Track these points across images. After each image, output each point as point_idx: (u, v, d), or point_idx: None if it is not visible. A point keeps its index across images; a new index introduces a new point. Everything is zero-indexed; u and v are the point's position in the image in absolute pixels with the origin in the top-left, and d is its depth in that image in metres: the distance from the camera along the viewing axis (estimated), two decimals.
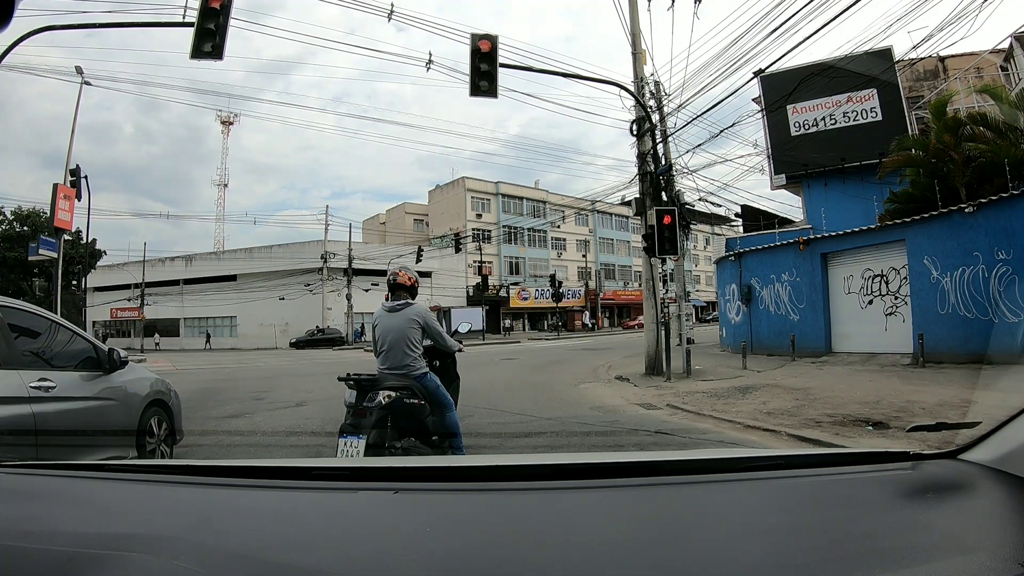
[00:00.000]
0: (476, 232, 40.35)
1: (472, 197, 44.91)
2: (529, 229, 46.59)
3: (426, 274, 35.49)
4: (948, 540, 0.85)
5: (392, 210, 53.13)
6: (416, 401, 3.72)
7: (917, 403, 6.51)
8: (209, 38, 7.77)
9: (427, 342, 4.02)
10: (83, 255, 29.51)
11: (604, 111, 33.25)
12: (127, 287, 39.75)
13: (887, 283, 12.15)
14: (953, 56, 18.67)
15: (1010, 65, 19.17)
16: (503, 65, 9.06)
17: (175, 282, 40.83)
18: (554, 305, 40.66)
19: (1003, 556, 0.75)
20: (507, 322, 41.41)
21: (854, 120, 20.75)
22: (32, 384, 3.44)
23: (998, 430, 1.07)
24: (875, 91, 19.97)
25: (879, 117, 20.29)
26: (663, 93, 13.74)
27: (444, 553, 0.87)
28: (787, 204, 31.97)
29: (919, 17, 52.89)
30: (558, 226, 45.74)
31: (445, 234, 39.96)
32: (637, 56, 11.87)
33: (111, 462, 1.94)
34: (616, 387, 10.09)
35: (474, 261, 40.37)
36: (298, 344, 33.81)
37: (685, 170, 15.68)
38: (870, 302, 12.47)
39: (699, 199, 19.22)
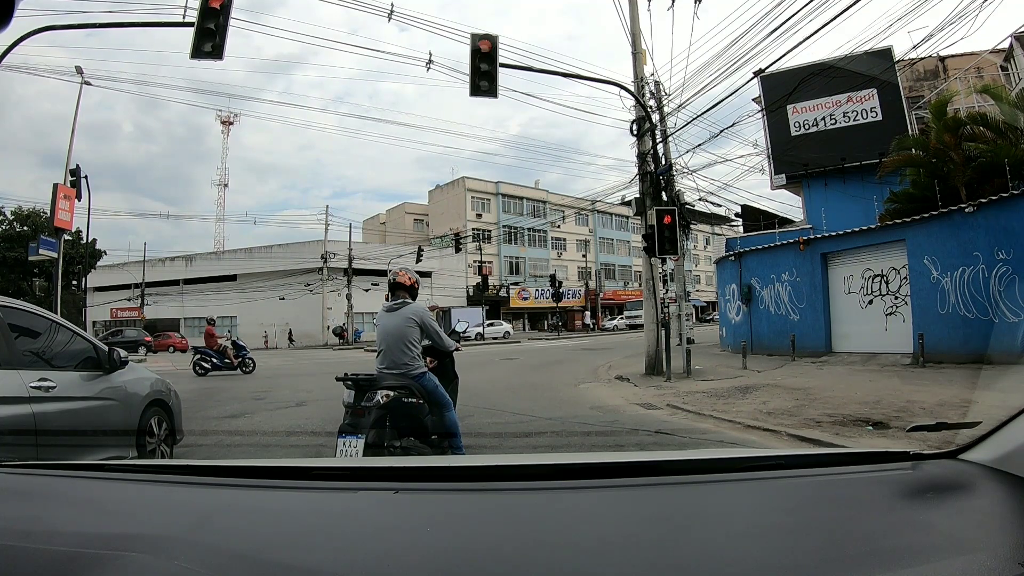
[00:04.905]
0: (476, 232, 40.34)
1: (472, 197, 44.92)
2: (529, 229, 46.59)
3: (426, 274, 35.48)
4: (948, 540, 0.85)
5: (392, 210, 53.15)
6: (414, 400, 3.72)
7: (917, 403, 6.51)
8: (209, 38, 7.76)
9: (426, 342, 4.02)
10: (83, 255, 29.52)
11: (604, 111, 33.33)
12: (127, 287, 39.70)
13: (887, 283, 12.15)
14: (953, 56, 18.67)
15: (1010, 65, 19.16)
16: (503, 65, 9.07)
17: (175, 282, 40.81)
18: (554, 305, 40.64)
19: (1003, 556, 0.75)
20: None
21: (854, 120, 20.74)
22: (32, 384, 3.44)
23: (998, 430, 1.07)
24: (875, 91, 19.96)
25: (879, 117, 20.28)
26: (663, 93, 13.74)
27: (444, 553, 0.87)
28: (787, 204, 31.97)
29: (919, 17, 52.94)
30: (558, 226, 45.74)
31: (445, 234, 39.97)
32: (637, 56, 11.87)
33: (111, 462, 1.94)
34: (616, 387, 10.09)
35: (474, 261, 40.35)
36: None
37: (685, 170, 15.69)
38: (870, 302, 12.47)
39: (699, 199, 19.25)
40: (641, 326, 37.59)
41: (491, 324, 36.03)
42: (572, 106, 52.41)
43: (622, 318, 44.14)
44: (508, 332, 36.78)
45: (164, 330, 35.65)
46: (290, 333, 35.88)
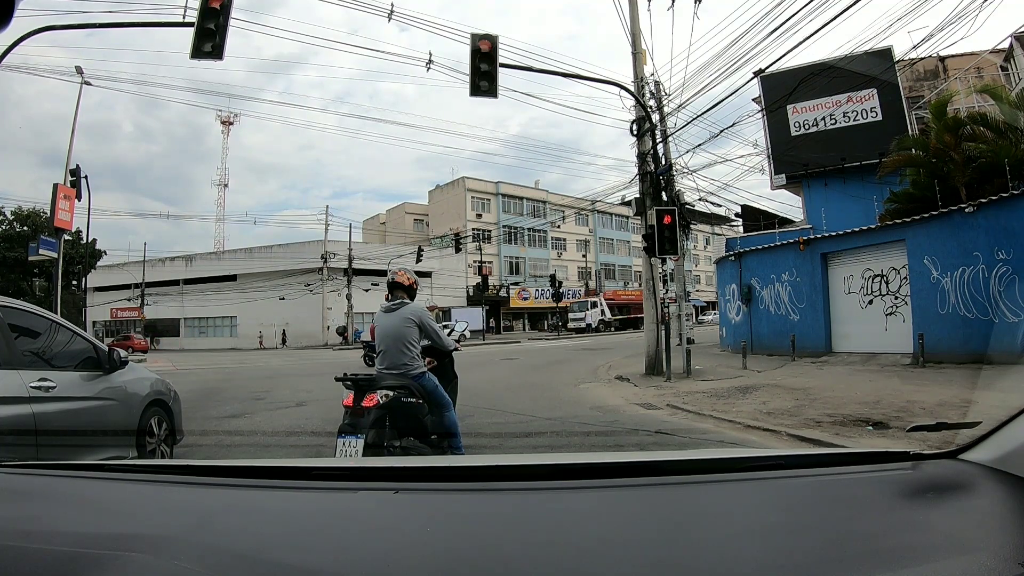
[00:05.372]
0: (476, 232, 40.35)
1: (472, 197, 44.93)
2: (529, 229, 46.61)
3: (426, 274, 35.48)
4: (948, 540, 0.85)
5: (392, 210, 53.17)
6: (414, 400, 3.72)
7: (917, 403, 6.51)
8: (209, 38, 7.76)
9: (425, 342, 4.02)
10: (83, 255, 29.53)
11: (604, 111, 33.34)
12: (127, 287, 39.77)
13: (887, 283, 12.15)
14: (953, 56, 18.66)
15: (1010, 65, 19.15)
16: (503, 65, 9.07)
17: (175, 282, 40.85)
18: (554, 305, 40.63)
19: (1003, 556, 0.75)
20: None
21: (854, 120, 20.73)
22: (32, 384, 3.44)
23: (998, 430, 1.07)
24: (875, 91, 19.95)
25: (879, 117, 20.27)
26: (663, 93, 13.75)
27: (444, 553, 0.87)
28: (787, 204, 32.00)
29: (919, 17, 52.90)
30: (558, 226, 45.75)
31: (445, 234, 39.99)
32: (637, 56, 11.88)
33: (111, 462, 1.94)
34: (616, 387, 10.09)
35: (474, 261, 40.36)
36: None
37: (685, 170, 15.69)
38: (870, 302, 12.47)
39: (699, 199, 19.25)
40: (583, 330, 36.73)
41: (445, 326, 31.91)
42: (572, 106, 52.58)
43: (560, 321, 39.85)
44: (463, 336, 34.44)
45: (164, 329, 35.85)
46: (284, 334, 35.95)
